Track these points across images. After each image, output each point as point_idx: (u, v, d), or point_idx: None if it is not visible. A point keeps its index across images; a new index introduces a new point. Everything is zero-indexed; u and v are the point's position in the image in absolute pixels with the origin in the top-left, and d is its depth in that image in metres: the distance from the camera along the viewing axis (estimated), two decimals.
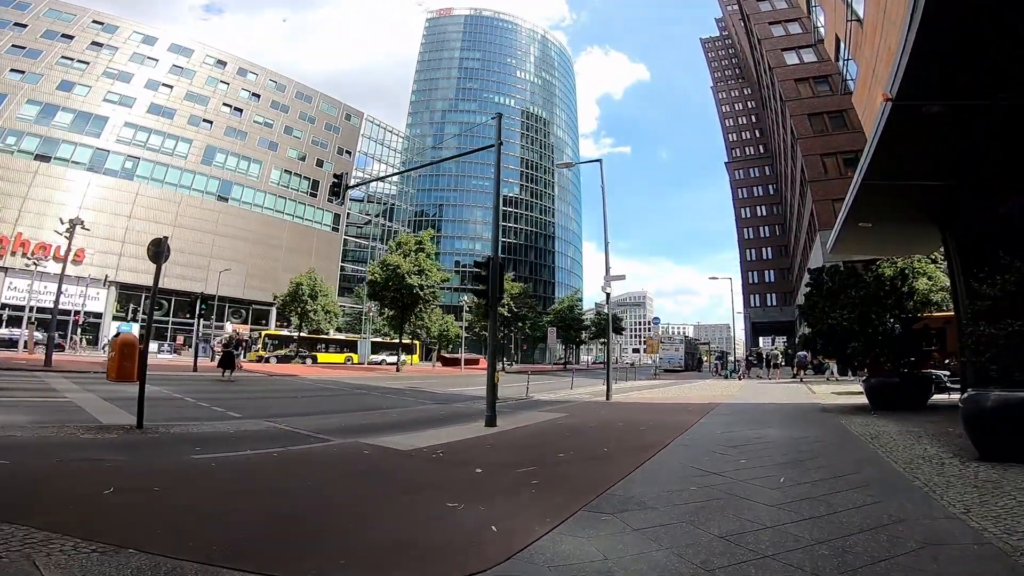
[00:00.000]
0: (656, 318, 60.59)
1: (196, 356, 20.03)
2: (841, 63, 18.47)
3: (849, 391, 16.19)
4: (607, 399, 14.01)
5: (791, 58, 40.53)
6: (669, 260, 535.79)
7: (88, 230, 23.64)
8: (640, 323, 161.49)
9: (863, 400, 12.48)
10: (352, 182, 14.19)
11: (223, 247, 53.66)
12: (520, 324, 41.24)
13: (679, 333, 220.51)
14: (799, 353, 31.89)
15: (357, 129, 71.37)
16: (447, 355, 43.13)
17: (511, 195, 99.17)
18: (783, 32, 42.54)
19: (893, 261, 17.78)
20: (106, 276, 39.42)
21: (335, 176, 13.77)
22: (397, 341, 48.75)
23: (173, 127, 53.76)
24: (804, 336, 10.73)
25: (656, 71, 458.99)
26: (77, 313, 38.59)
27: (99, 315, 46.62)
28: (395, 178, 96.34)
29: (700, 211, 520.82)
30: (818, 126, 36.98)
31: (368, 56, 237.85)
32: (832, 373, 24.51)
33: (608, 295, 14.53)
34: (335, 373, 26.75)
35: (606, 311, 59.66)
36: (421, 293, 27.74)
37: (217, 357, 23.17)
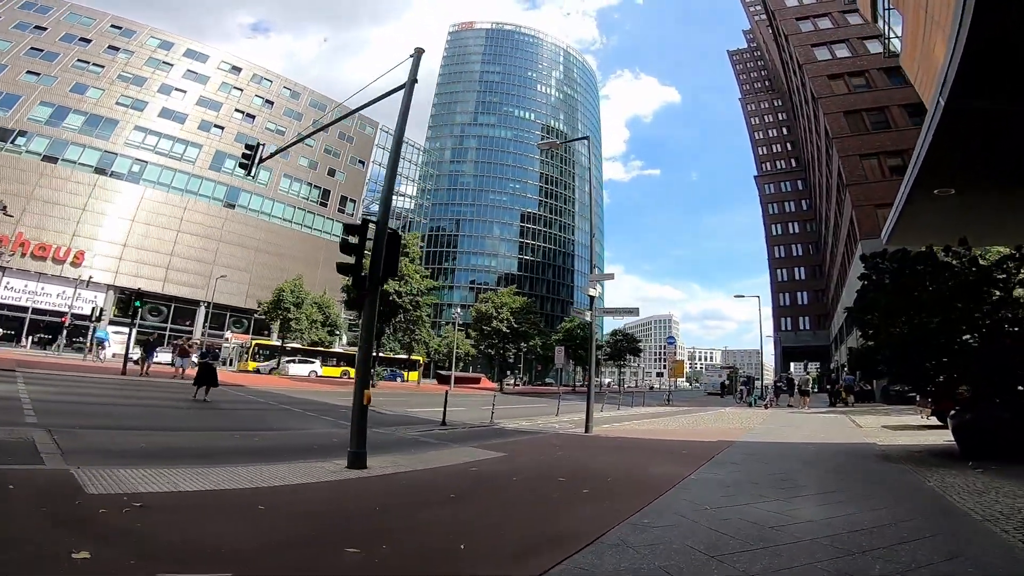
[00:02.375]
0: (671, 337, 56.67)
1: (126, 359, 17.60)
2: (881, 24, 15.29)
3: (905, 424, 12.55)
4: (586, 431, 10.77)
5: (822, 53, 37.32)
6: (697, 284, 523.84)
7: (11, 216, 21.54)
8: (662, 347, 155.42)
9: (936, 439, 8.96)
10: (268, 152, 11.36)
11: (227, 254, 52.33)
12: (524, 342, 37.96)
13: (707, 358, 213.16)
14: (845, 376, 27.71)
15: (372, 139, 70.15)
16: (442, 372, 40.16)
17: (529, 211, 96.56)
18: (812, 27, 39.40)
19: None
20: (90, 277, 37.89)
21: (247, 147, 11.08)
22: (403, 357, 46.20)
23: (183, 132, 53.17)
24: (857, 352, 7.39)
25: (687, 94, 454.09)
26: (64, 315, 37.07)
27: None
28: (412, 192, 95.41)
29: (730, 236, 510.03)
30: (856, 125, 33.50)
31: (402, 75, 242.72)
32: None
33: (592, 299, 11.40)
34: (298, 386, 24.08)
35: (623, 330, 55.68)
36: (399, 300, 24.74)
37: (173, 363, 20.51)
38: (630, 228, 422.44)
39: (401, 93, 7.46)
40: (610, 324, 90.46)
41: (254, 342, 39.09)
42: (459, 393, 29.31)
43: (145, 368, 16.43)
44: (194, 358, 20.80)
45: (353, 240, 6.08)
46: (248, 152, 10.86)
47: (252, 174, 10.99)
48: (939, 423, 11.39)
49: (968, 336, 6.03)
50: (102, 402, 10.62)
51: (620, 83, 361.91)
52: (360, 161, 66.97)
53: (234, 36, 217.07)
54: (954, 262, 6.61)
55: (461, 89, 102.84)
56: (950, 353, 6.07)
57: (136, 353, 19.89)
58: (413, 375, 46.09)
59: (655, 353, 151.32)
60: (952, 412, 6.09)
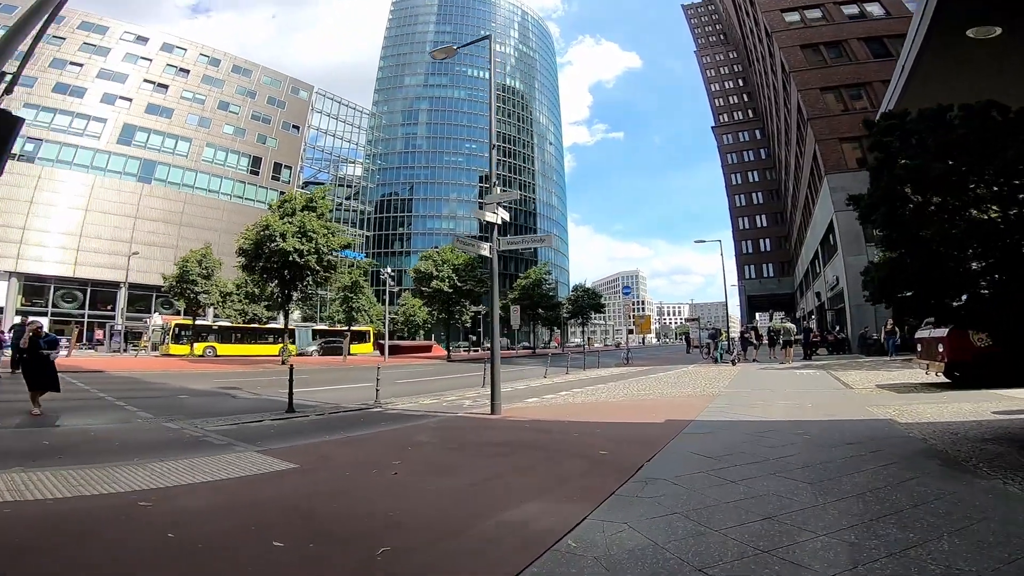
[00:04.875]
0: (627, 288, 55.05)
1: None
2: None
3: (905, 383, 9.90)
4: (492, 412, 7.94)
5: None
6: (664, 241, 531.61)
7: None
8: (630, 303, 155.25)
9: (974, 408, 6.48)
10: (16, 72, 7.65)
11: (147, 231, 47.55)
12: (472, 303, 34.55)
13: (676, 313, 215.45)
14: (780, 321, 25.85)
15: (306, 103, 64.44)
16: (382, 342, 36.81)
17: (488, 171, 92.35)
18: None
19: None
20: None
21: None
22: (345, 328, 42.47)
23: (83, 106, 47.15)
24: (884, 268, 4.54)
25: (648, 59, 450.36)
26: None
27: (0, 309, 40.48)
28: (360, 158, 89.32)
29: (693, 192, 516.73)
30: (814, 58, 31.46)
31: (360, 50, 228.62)
32: None
33: (493, 226, 8.45)
34: (195, 368, 20.93)
35: (587, 285, 52.56)
36: (299, 260, 21.11)
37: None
38: (597, 190, 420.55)
39: None
40: (575, 279, 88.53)
41: (173, 322, 34.95)
42: (392, 364, 26.35)
43: None
44: (61, 349, 16.64)
45: None
46: None
47: None
48: (946, 380, 8.93)
49: None
50: None
51: (582, 49, 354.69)
52: (294, 126, 61.54)
53: (172, 18, 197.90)
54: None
55: (410, 51, 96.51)
56: None
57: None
58: (367, 347, 42.73)
59: (623, 310, 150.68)
60: None
